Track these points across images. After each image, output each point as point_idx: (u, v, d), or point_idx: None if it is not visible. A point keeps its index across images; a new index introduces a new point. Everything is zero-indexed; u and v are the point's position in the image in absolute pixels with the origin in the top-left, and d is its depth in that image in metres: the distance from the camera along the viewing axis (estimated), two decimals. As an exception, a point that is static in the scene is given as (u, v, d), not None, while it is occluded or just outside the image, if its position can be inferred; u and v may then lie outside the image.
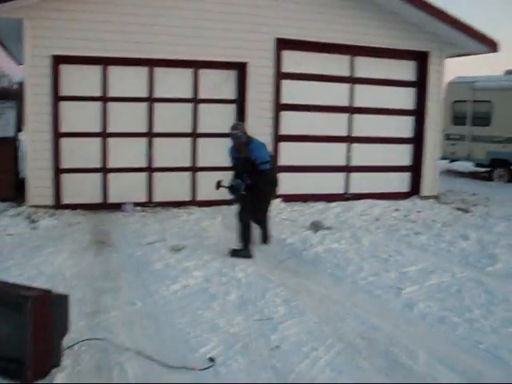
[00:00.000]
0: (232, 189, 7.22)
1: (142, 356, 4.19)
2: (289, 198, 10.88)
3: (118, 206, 10.09)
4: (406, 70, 12.16)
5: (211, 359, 4.17)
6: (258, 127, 10.34)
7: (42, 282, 5.71)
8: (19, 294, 3.85)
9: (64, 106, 9.92)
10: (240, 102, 10.85)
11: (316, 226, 8.75)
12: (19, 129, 11.98)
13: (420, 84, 12.19)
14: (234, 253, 7.09)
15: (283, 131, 11.17)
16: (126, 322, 4.92)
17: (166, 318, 5.01)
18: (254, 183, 7.13)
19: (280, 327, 4.80)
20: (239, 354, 4.27)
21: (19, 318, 3.75)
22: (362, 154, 11.86)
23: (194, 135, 10.68)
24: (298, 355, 4.28)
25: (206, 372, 3.97)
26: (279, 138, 11.10)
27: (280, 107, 11.06)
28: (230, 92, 10.88)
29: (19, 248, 7.35)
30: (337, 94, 11.58)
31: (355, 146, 11.84)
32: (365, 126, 11.80)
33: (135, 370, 3.98)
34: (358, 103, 11.75)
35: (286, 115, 11.16)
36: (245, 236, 7.18)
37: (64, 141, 9.99)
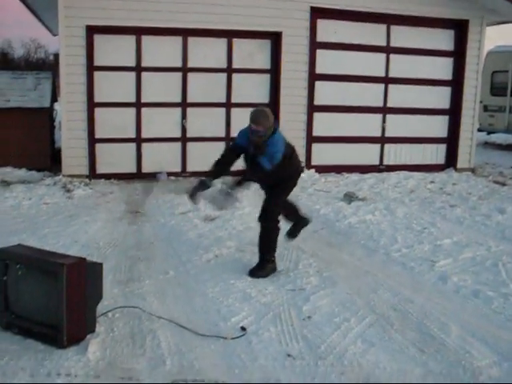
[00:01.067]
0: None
1: (174, 324, 4.23)
2: (322, 169, 10.82)
3: (151, 176, 10.16)
4: (444, 39, 11.87)
5: (243, 328, 4.20)
6: (292, 98, 10.27)
7: (77, 250, 5.79)
8: (54, 262, 3.90)
9: (98, 76, 9.96)
10: (274, 72, 10.75)
11: (350, 197, 8.69)
12: (55, 99, 12.08)
13: (458, 54, 11.90)
14: (255, 273, 5.40)
15: (318, 101, 11.07)
16: (158, 290, 4.97)
17: (198, 287, 5.05)
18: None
19: (312, 298, 4.79)
20: (271, 324, 4.28)
21: (54, 285, 3.81)
22: (398, 125, 11.70)
23: (228, 105, 10.65)
24: (329, 326, 4.28)
25: (238, 341, 4.00)
26: (314, 109, 11.00)
27: (315, 77, 10.95)
28: (264, 62, 10.78)
29: (55, 217, 7.47)
30: (372, 64, 11.39)
31: (390, 116, 11.68)
32: (400, 96, 11.60)
33: (168, 338, 4.03)
34: (393, 73, 11.55)
35: (320, 85, 11.04)
36: (271, 243, 5.54)
37: (98, 111, 10.06)
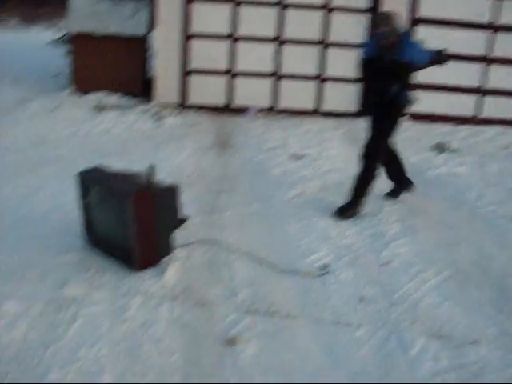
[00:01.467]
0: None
1: (251, 257, 4.31)
2: (415, 117, 10.52)
3: (241, 110, 10.18)
4: None
5: (325, 266, 4.22)
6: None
7: (162, 177, 5.92)
8: (122, 188, 4.01)
9: (195, 6, 9.95)
10: (374, 11, 10.41)
11: (441, 148, 8.45)
12: (151, 28, 12.19)
13: None
14: (341, 212, 5.30)
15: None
16: (239, 222, 5.06)
17: (279, 222, 5.09)
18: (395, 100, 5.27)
19: (391, 245, 4.75)
20: (348, 266, 4.29)
21: (124, 211, 3.92)
22: (500, 78, 11.15)
23: (324, 44, 10.43)
24: (406, 274, 4.24)
25: (313, 279, 4.03)
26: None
27: (416, 21, 10.52)
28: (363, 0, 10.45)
29: (144, 143, 7.66)
30: (478, 10, 10.82)
31: (493, 67, 11.13)
32: (507, 45, 11.00)
33: (243, 270, 4.12)
34: (502, 20, 10.94)
35: (422, 30, 10.60)
36: (366, 185, 5.38)
37: (193, 41, 10.08)
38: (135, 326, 3.29)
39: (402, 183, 5.90)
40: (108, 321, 3.33)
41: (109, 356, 3.00)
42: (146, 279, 3.86)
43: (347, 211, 5.28)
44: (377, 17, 5.13)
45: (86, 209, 4.28)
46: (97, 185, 4.19)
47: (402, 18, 10.15)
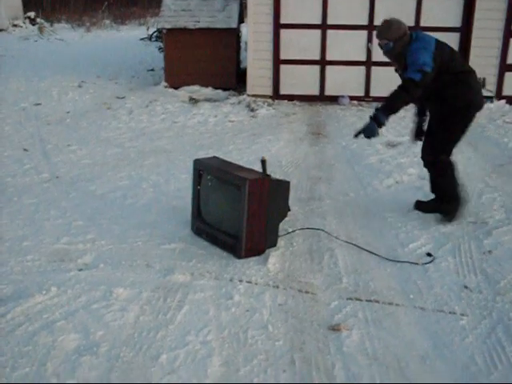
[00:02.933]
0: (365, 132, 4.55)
1: (352, 245, 4.32)
2: (514, 100, 10.13)
3: (334, 99, 10.14)
4: None
5: (429, 254, 4.19)
6: (487, 21, 9.57)
7: (259, 167, 6.01)
8: (239, 176, 4.09)
9: (285, -4, 9.99)
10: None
11: None
12: (241, 20, 12.32)
13: None
14: (445, 217, 4.81)
15: None
16: (338, 211, 5.08)
17: (377, 210, 5.08)
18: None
19: (494, 232, 4.61)
20: (449, 254, 4.21)
21: (238, 198, 4.01)
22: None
23: (416, 28, 10.19)
24: (510, 263, 4.11)
25: (415, 267, 3.99)
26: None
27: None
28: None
29: (239, 134, 7.78)
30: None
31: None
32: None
33: (345, 258, 4.13)
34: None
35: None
36: (448, 179, 4.79)
37: (284, 32, 10.12)
38: (240, 312, 3.37)
39: (448, 202, 4.90)
40: (214, 307, 3.43)
41: (216, 340, 3.08)
42: (250, 266, 3.95)
43: (449, 215, 4.80)
44: (378, 26, 4.69)
45: (198, 196, 4.42)
46: (211, 173, 4.32)
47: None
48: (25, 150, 6.94)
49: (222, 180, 4.24)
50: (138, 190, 5.56)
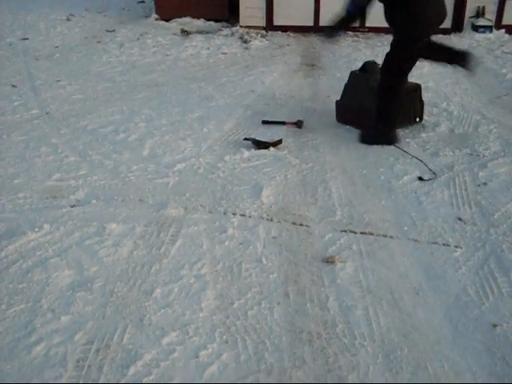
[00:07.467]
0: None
1: (345, 176, 4.30)
2: (513, 30, 9.94)
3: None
4: None
5: (420, 178, 4.30)
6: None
7: (253, 99, 5.95)
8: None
9: None
10: None
11: None
12: None
13: None
14: (364, 139, 5.03)
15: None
16: (332, 143, 5.05)
17: (372, 146, 5.01)
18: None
19: (489, 164, 4.57)
20: (444, 186, 4.17)
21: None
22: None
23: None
24: (505, 195, 4.08)
25: (409, 199, 3.97)
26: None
27: None
28: None
29: (232, 66, 7.66)
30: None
31: None
32: None
33: (339, 190, 4.12)
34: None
35: None
36: (387, 107, 4.93)
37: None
38: (234, 246, 3.36)
39: (458, 56, 5.06)
40: (207, 240, 3.41)
41: (210, 274, 3.08)
42: (243, 200, 3.92)
43: (369, 138, 4.98)
44: None
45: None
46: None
47: None
48: (13, 86, 6.81)
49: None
50: (130, 124, 5.48)
